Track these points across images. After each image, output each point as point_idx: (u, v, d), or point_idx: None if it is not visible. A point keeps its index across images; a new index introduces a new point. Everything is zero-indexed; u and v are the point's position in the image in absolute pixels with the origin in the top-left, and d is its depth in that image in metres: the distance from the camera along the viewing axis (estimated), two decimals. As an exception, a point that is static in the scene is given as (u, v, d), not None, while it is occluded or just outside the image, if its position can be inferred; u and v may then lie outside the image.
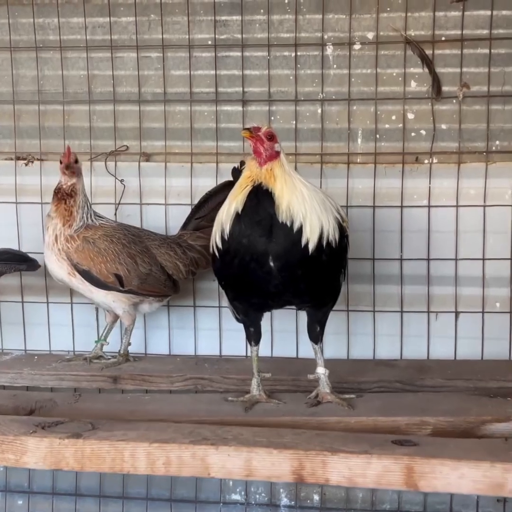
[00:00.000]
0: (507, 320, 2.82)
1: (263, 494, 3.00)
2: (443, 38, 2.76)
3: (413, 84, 2.80)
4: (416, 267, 2.84)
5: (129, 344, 2.75)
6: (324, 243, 2.10)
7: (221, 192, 2.71)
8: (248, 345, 2.78)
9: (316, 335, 2.32)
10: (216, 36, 2.86)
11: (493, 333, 2.83)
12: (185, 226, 2.82)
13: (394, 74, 2.80)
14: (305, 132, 2.87)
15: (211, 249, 2.25)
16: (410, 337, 2.87)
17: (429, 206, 2.82)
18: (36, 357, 2.86)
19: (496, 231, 2.80)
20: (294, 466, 1.74)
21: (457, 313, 2.85)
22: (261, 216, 2.07)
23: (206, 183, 2.87)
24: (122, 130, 2.96)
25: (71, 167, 2.55)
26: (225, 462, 1.77)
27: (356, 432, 2.08)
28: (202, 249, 2.74)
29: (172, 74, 2.92)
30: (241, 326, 2.81)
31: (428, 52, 2.76)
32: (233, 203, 2.12)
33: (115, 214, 2.96)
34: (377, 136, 2.83)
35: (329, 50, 2.82)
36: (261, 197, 2.09)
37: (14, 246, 2.98)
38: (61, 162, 2.58)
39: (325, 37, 2.81)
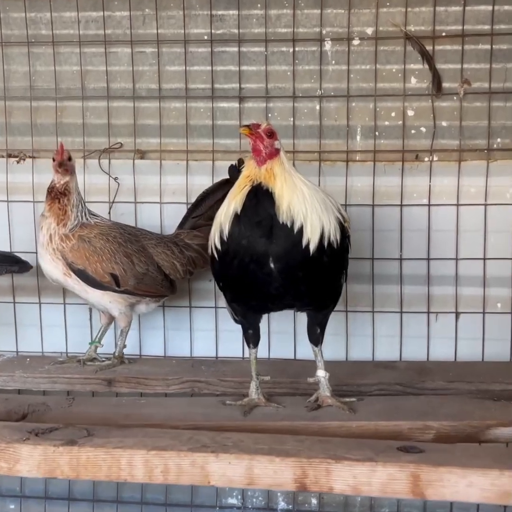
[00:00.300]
0: (508, 321, 2.78)
1: (260, 498, 2.95)
2: (443, 34, 2.71)
3: (413, 80, 2.76)
4: (416, 267, 2.80)
5: (124, 346, 2.69)
6: (326, 244, 2.05)
7: (218, 190, 2.67)
8: (246, 347, 2.77)
9: (316, 338, 2.27)
10: (212, 31, 2.80)
11: (494, 334, 2.79)
12: (182, 225, 2.77)
13: (394, 70, 2.76)
14: (303, 129, 2.82)
15: (209, 250, 2.19)
16: (410, 338, 2.83)
17: (429, 205, 2.77)
18: (28, 359, 2.80)
19: (497, 230, 2.75)
20: (296, 474, 1.69)
21: (457, 314, 2.80)
22: (261, 217, 2.02)
23: (202, 181, 2.82)
24: (116, 127, 2.90)
25: (64, 165, 2.49)
26: (225, 470, 1.71)
27: (358, 437, 2.05)
28: (200, 248, 2.69)
29: (167, 70, 2.86)
30: (237, 327, 2.77)
31: (429, 47, 2.72)
32: (232, 203, 2.07)
33: (109, 212, 2.90)
34: (377, 133, 2.78)
35: (328, 45, 2.77)
36: (261, 197, 2.04)
37: (6, 246, 2.93)
38: (54, 160, 2.52)
39: (324, 32, 2.76)
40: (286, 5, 2.76)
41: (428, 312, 2.81)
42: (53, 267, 2.52)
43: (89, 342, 2.76)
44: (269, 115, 2.82)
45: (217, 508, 2.93)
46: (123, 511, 2.97)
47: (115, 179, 2.89)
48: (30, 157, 2.92)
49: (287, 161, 2.12)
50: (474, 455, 1.73)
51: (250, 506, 2.94)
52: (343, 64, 2.77)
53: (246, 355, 2.82)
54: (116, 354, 2.68)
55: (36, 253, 2.61)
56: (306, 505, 2.91)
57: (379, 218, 2.79)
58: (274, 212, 2.02)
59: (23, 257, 2.83)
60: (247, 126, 2.06)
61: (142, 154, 2.90)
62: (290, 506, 2.91)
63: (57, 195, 2.52)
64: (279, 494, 2.91)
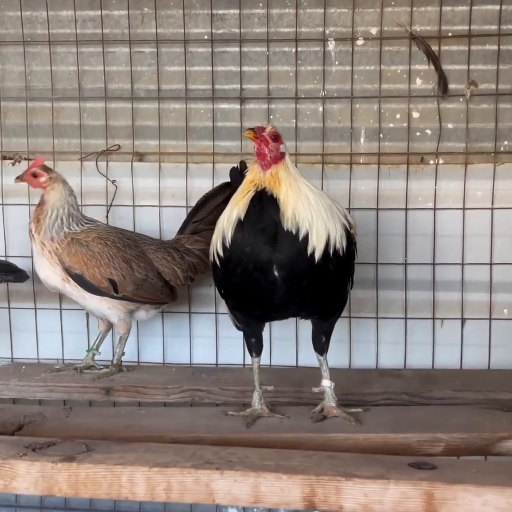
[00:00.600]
0: (515, 327, 2.72)
1: (261, 508, 2.88)
2: (450, 34, 2.66)
3: (418, 81, 2.70)
4: (420, 272, 2.75)
5: (123, 354, 2.62)
6: (331, 251, 1.99)
7: (219, 194, 2.62)
8: (247, 354, 2.71)
9: (321, 346, 2.21)
10: (213, 30, 2.74)
11: (500, 341, 2.74)
12: (182, 230, 2.71)
13: (399, 71, 2.71)
14: (306, 131, 2.77)
15: (211, 257, 2.13)
16: (415, 345, 2.78)
17: (434, 209, 2.72)
18: (24, 367, 2.73)
19: (504, 235, 2.70)
20: (305, 492, 1.63)
21: (463, 320, 2.75)
22: (265, 223, 1.96)
23: (202, 184, 2.77)
24: (114, 129, 2.84)
25: (22, 178, 2.49)
26: (230, 488, 1.65)
27: (365, 449, 1.99)
28: (201, 253, 2.64)
29: (167, 70, 2.80)
30: (238, 333, 2.71)
31: (434, 48, 2.66)
32: (235, 209, 2.00)
33: (107, 216, 2.84)
34: (381, 135, 2.73)
35: (331, 45, 2.72)
36: (265, 203, 1.97)
37: (0, 250, 2.86)
38: None
39: (327, 32, 2.71)
40: (289, 4, 2.70)
41: (433, 318, 2.76)
42: (52, 273, 2.46)
43: (86, 349, 2.69)
44: (271, 116, 2.77)
45: (218, 518, 2.86)
46: (121, 522, 2.90)
47: (113, 182, 2.83)
48: (25, 159, 2.86)
49: (292, 165, 2.06)
50: (489, 472, 1.67)
51: (251, 517, 2.89)
52: (346, 65, 2.71)
53: (247, 362, 2.78)
54: (114, 361, 2.61)
55: (32, 259, 2.54)
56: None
57: (383, 222, 2.74)
58: (278, 218, 1.96)
59: (19, 261, 2.79)
60: (252, 129, 2.00)
61: (140, 156, 2.84)
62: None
63: (38, 204, 2.49)
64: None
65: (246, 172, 2.08)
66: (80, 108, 2.83)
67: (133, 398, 2.51)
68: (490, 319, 2.73)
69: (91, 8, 2.78)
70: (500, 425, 2.08)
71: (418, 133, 2.72)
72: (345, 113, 2.73)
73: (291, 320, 2.60)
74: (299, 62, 2.73)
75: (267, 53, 2.73)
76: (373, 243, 2.74)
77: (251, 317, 2.16)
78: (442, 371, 2.65)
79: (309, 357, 2.72)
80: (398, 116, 2.72)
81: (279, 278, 1.98)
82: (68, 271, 2.44)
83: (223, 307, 2.78)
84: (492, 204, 2.69)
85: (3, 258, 2.85)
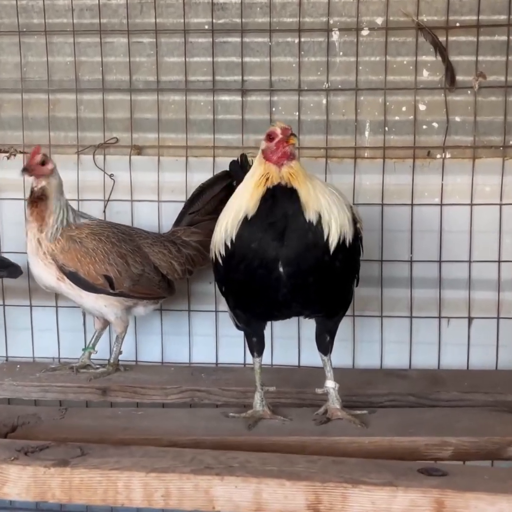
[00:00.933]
0: (523, 326, 2.65)
1: None
2: (457, 24, 2.59)
3: (425, 73, 2.63)
4: (426, 270, 2.68)
5: (120, 352, 2.55)
6: (340, 246, 1.92)
7: (215, 184, 2.56)
8: (248, 353, 2.63)
9: (325, 346, 2.15)
10: (214, 20, 2.67)
11: (508, 340, 2.68)
12: (178, 222, 2.65)
13: (405, 62, 2.63)
14: (309, 124, 2.69)
15: (212, 253, 2.06)
16: (420, 344, 2.71)
17: (441, 204, 2.65)
18: (18, 366, 2.66)
19: (513, 231, 2.63)
20: (309, 499, 1.55)
21: (470, 319, 2.68)
22: (276, 218, 1.91)
23: (202, 179, 2.69)
24: (111, 121, 2.77)
25: (31, 170, 2.35)
26: (231, 494, 1.57)
27: (371, 453, 1.92)
28: (198, 245, 2.57)
29: (166, 61, 2.72)
30: (239, 331, 2.64)
31: (442, 39, 2.59)
32: (244, 203, 1.95)
33: (104, 211, 2.77)
34: (386, 128, 2.66)
35: (335, 36, 2.64)
36: (279, 197, 1.92)
37: (-6, 245, 2.80)
38: None
39: (331, 22, 2.63)
40: (292, -7, 2.63)
41: (439, 317, 2.69)
42: (47, 273, 2.39)
43: (82, 348, 2.62)
44: (273, 109, 2.70)
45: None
46: (118, 525, 2.82)
47: (111, 176, 2.76)
48: (21, 152, 2.78)
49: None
50: (502, 479, 1.59)
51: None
52: (351, 56, 2.64)
53: (248, 361, 2.71)
54: (112, 361, 2.54)
55: (27, 257, 2.46)
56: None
57: (388, 218, 2.67)
58: (293, 212, 1.90)
59: (13, 256, 2.71)
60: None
61: (139, 149, 2.76)
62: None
63: (35, 199, 2.38)
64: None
65: (248, 166, 2.03)
66: (77, 100, 2.75)
67: (131, 399, 2.44)
68: (498, 318, 2.66)
69: (89, -3, 2.70)
70: (510, 428, 2.01)
71: (424, 126, 2.65)
72: (350, 106, 2.66)
73: (293, 318, 2.54)
74: (303, 53, 2.66)
75: (270, 43, 2.66)
76: (378, 239, 2.67)
77: (253, 315, 2.09)
78: (448, 372, 2.59)
79: (311, 357, 2.66)
80: (404, 108, 2.65)
81: (284, 274, 1.92)
82: (62, 269, 2.36)
83: (223, 305, 2.71)
84: (501, 199, 2.62)
85: (-2, 254, 2.79)
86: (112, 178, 2.75)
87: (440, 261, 2.66)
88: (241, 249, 1.94)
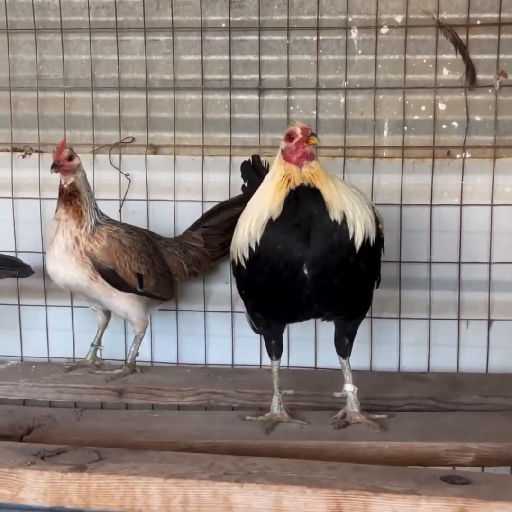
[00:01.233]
0: (544, 329, 2.61)
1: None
2: (478, 22, 2.55)
3: (445, 71, 2.59)
4: (446, 271, 2.65)
5: (137, 354, 2.53)
6: (365, 246, 1.92)
7: (236, 205, 2.54)
8: (265, 354, 2.61)
9: (344, 349, 2.12)
10: (231, 18, 2.64)
11: (528, 343, 2.62)
12: (192, 229, 2.66)
13: (425, 61, 2.60)
14: (327, 123, 2.66)
15: (233, 256, 2.03)
16: (438, 347, 2.68)
17: (461, 205, 2.62)
18: (33, 367, 2.65)
19: (534, 233, 2.59)
20: (330, 507, 1.52)
21: (490, 321, 2.64)
22: (301, 219, 1.88)
23: (219, 178, 2.69)
24: (127, 120, 2.74)
25: (60, 166, 2.32)
26: (251, 501, 1.55)
27: (391, 458, 1.90)
28: (205, 250, 2.60)
29: (183, 60, 2.70)
30: (254, 334, 2.62)
31: (462, 37, 2.56)
32: (267, 205, 1.92)
33: (120, 211, 2.74)
34: (405, 128, 2.63)
35: (354, 34, 2.61)
36: (303, 198, 1.90)
37: (10, 245, 2.79)
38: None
39: (350, 20, 2.60)
40: (310, -10, 2.60)
41: (459, 319, 2.66)
42: (78, 272, 2.35)
43: (91, 343, 2.61)
44: (291, 108, 2.67)
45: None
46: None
47: (126, 175, 2.74)
48: (36, 151, 2.77)
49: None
50: (527, 487, 1.56)
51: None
52: (370, 54, 2.61)
53: (264, 363, 2.69)
54: (128, 361, 2.53)
55: (44, 258, 2.45)
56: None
57: (407, 218, 2.63)
58: (317, 212, 1.88)
59: (29, 257, 2.71)
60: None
61: (155, 149, 2.74)
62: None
63: (68, 197, 2.36)
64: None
65: (265, 167, 2.01)
66: (92, 98, 2.73)
67: (146, 401, 2.42)
68: (518, 320, 2.62)
69: (105, -5, 2.68)
70: (532, 434, 1.97)
71: (444, 126, 2.61)
72: (368, 105, 2.63)
73: (310, 320, 2.51)
74: (321, 51, 2.63)
75: (287, 41, 2.63)
76: (396, 240, 2.63)
77: (273, 318, 2.07)
78: (468, 375, 2.55)
79: (328, 359, 2.65)
80: (423, 107, 2.61)
81: (308, 276, 1.90)
82: (99, 266, 2.34)
83: (239, 306, 2.70)
84: (522, 200, 2.58)
85: (13, 254, 2.77)
86: (128, 178, 2.74)
87: (459, 263, 2.63)
88: (266, 252, 1.91)
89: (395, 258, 2.64)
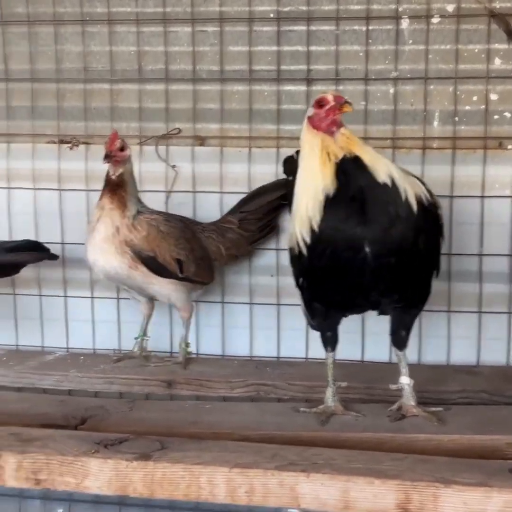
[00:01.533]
0: None
1: None
2: (532, 11, 2.50)
3: (497, 61, 2.55)
4: (497, 264, 2.60)
5: (188, 344, 2.55)
6: (420, 213, 1.88)
7: (274, 190, 2.57)
8: (310, 347, 2.66)
9: (401, 341, 2.08)
10: (279, 8, 2.61)
11: None
12: (229, 212, 2.67)
13: (476, 51, 2.55)
14: (376, 114, 2.63)
15: (291, 243, 1.99)
16: (488, 341, 2.63)
17: (513, 197, 2.57)
18: (82, 357, 2.65)
19: None
20: (399, 499, 1.50)
21: (542, 314, 2.60)
22: (353, 191, 1.85)
23: (265, 170, 2.66)
24: (174, 112, 2.73)
25: (111, 156, 2.33)
26: (318, 492, 1.53)
27: (450, 451, 1.86)
28: (242, 231, 2.60)
29: (230, 50, 2.68)
30: (300, 325, 2.62)
31: (515, 26, 2.51)
32: (319, 183, 1.87)
33: (166, 202, 2.74)
34: (456, 118, 2.58)
35: (405, 24, 2.57)
36: (349, 169, 1.86)
37: (57, 237, 2.79)
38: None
39: (400, 9, 2.56)
40: (360, -20, 2.57)
41: (510, 313, 2.61)
42: (118, 261, 2.36)
43: (135, 336, 2.61)
44: (340, 98, 2.63)
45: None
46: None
47: (173, 167, 2.72)
48: (83, 143, 2.77)
49: None
50: None
51: None
52: (421, 44, 2.57)
53: (310, 355, 2.67)
54: (183, 345, 2.54)
55: (88, 247, 2.44)
56: None
57: (457, 210, 2.59)
58: (366, 181, 1.84)
59: (75, 248, 2.72)
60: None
61: (201, 140, 2.73)
62: None
63: (114, 187, 2.37)
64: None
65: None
66: (139, 90, 2.73)
67: (196, 392, 2.41)
68: None
69: (153, -14, 2.67)
70: None
71: (496, 116, 2.57)
72: (418, 95, 2.59)
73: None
74: (370, 41, 2.59)
75: (336, 31, 2.60)
76: (446, 232, 2.55)
77: (331, 307, 2.03)
78: (521, 368, 2.51)
79: (375, 352, 2.64)
80: (475, 98, 2.57)
81: (369, 254, 1.85)
82: (140, 254, 2.35)
83: (285, 297, 2.70)
84: None
85: (59, 246, 2.78)
86: (174, 169, 2.73)
87: (511, 255, 2.59)
88: (327, 233, 1.86)
89: (444, 251, 2.56)
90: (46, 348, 2.84)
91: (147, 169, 2.73)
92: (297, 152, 2.35)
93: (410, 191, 1.89)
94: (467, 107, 2.58)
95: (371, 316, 2.18)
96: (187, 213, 2.69)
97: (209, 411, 2.17)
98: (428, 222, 1.94)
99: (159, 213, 2.48)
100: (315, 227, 1.88)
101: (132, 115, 2.75)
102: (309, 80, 2.64)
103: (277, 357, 2.74)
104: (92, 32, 2.74)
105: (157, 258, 2.37)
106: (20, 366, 2.53)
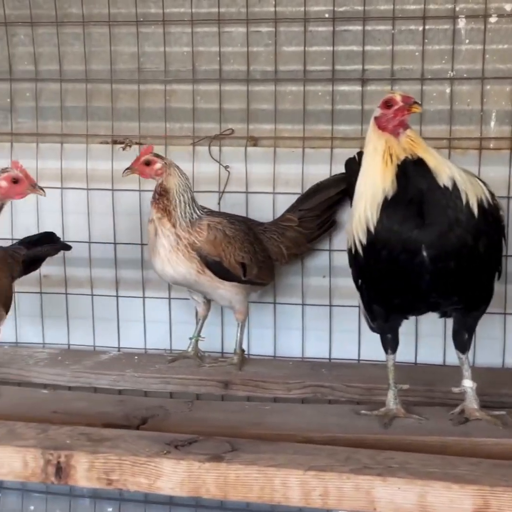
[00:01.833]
0: None
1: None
2: None
3: (555, 61, 2.52)
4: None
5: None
6: (480, 218, 1.87)
7: (332, 186, 2.56)
8: (362, 349, 2.65)
9: (464, 344, 2.07)
10: (335, 8, 2.60)
11: None
12: (288, 210, 2.65)
13: (535, 50, 2.52)
14: (432, 114, 2.61)
15: (349, 244, 1.99)
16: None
17: None
18: (136, 357, 2.66)
19: None
20: (477, 504, 1.49)
21: None
22: (411, 194, 1.84)
23: (319, 171, 2.66)
24: (227, 112, 2.73)
25: (133, 169, 2.38)
26: (394, 496, 1.52)
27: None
28: (301, 228, 2.59)
29: (284, 51, 2.68)
30: (352, 328, 2.60)
31: None
32: (379, 183, 1.87)
33: (219, 203, 2.73)
34: (514, 118, 2.56)
35: (462, 23, 2.56)
36: (411, 172, 1.86)
37: (109, 237, 2.81)
38: None
39: (457, 9, 2.55)
40: (417, -21, 2.55)
41: None
42: (187, 267, 2.36)
43: (189, 337, 2.61)
44: (395, 99, 2.61)
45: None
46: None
47: (226, 167, 2.72)
48: (136, 143, 2.77)
49: None
50: None
51: None
52: (478, 44, 2.55)
53: (362, 357, 2.66)
54: (237, 350, 2.54)
55: (142, 247, 2.45)
56: None
57: (514, 211, 2.56)
58: (427, 184, 1.84)
59: (127, 248, 2.73)
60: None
61: (255, 141, 2.73)
62: None
63: (158, 196, 2.39)
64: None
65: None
66: (193, 90, 2.73)
67: (253, 393, 2.41)
68: None
69: (207, -14, 2.68)
70: None
71: (554, 116, 2.55)
72: (475, 95, 2.57)
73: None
74: (426, 41, 2.58)
75: (392, 31, 2.59)
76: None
77: (391, 309, 2.02)
78: None
79: (429, 354, 2.62)
80: (532, 98, 2.55)
81: (427, 257, 1.85)
82: (206, 259, 2.34)
83: (337, 298, 2.69)
84: None
85: (111, 246, 2.79)
86: (227, 170, 2.73)
87: None
88: (384, 234, 1.86)
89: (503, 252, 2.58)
90: (97, 347, 2.85)
91: (200, 169, 2.73)
92: (358, 153, 2.36)
93: (471, 194, 1.88)
94: (525, 107, 2.56)
95: (424, 318, 2.17)
96: (239, 213, 2.68)
97: (269, 413, 2.18)
98: (489, 224, 1.93)
99: (221, 214, 2.49)
100: (371, 228, 1.88)
101: (185, 116, 2.75)
102: (363, 80, 2.63)
103: (329, 359, 2.73)
104: (146, 33, 2.75)
105: (223, 263, 2.38)
106: (77, 366, 2.55)
